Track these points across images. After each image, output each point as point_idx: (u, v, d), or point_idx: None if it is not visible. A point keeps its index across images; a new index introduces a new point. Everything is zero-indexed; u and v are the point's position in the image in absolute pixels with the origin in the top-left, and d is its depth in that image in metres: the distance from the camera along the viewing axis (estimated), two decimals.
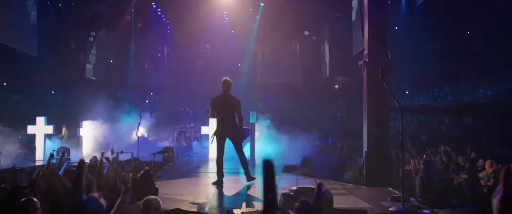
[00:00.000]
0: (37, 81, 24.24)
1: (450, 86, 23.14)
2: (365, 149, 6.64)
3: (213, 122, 12.61)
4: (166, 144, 18.07)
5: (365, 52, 6.44)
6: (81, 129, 15.27)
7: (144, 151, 13.34)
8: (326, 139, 20.54)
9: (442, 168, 8.92)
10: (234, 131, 6.60)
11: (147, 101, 25.35)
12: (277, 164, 10.82)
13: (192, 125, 19.92)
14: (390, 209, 4.64)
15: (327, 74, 24.76)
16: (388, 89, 4.77)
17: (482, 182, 7.46)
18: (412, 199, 5.46)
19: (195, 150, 16.28)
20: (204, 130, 13.34)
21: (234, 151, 6.91)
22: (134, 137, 16.61)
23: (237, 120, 6.68)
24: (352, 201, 5.37)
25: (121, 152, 12.05)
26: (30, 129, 13.76)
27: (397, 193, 5.42)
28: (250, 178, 6.81)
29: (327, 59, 24.43)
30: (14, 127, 18.08)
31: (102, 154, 11.13)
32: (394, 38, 24.42)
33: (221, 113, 6.57)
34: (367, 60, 6.35)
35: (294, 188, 4.19)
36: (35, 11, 20.62)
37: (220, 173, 6.73)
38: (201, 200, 5.75)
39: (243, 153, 6.91)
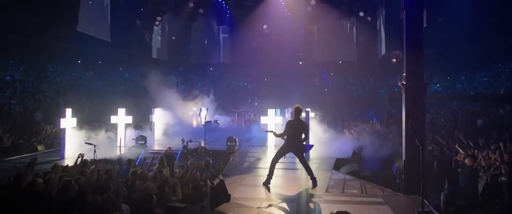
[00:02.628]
0: (107, 60, 26.56)
1: None
2: (404, 158, 7.51)
3: (271, 113, 13.92)
4: (229, 127, 19.61)
5: (404, 74, 7.24)
6: (153, 115, 16.03)
7: (211, 135, 14.72)
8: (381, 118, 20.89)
9: (487, 164, 9.31)
10: (297, 147, 8.26)
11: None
12: (330, 156, 11.86)
13: (251, 107, 21.15)
14: None
15: (383, 52, 24.87)
16: (411, 128, 5.62)
17: None
18: (436, 213, 6.33)
19: (254, 134, 17.19)
20: (264, 119, 14.50)
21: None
22: (200, 122, 18.13)
23: (303, 137, 8.34)
24: (385, 212, 6.36)
25: (190, 141, 13.14)
26: (113, 119, 14.43)
27: (426, 204, 6.30)
28: (314, 182, 8.29)
29: (382, 37, 24.50)
30: (90, 106, 19.94)
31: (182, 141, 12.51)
32: (453, 13, 23.76)
33: (291, 133, 8.26)
34: (405, 83, 7.17)
35: (334, 211, 5.28)
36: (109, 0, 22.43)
37: (270, 175, 8.30)
38: (265, 207, 6.82)
39: (306, 162, 8.50)
